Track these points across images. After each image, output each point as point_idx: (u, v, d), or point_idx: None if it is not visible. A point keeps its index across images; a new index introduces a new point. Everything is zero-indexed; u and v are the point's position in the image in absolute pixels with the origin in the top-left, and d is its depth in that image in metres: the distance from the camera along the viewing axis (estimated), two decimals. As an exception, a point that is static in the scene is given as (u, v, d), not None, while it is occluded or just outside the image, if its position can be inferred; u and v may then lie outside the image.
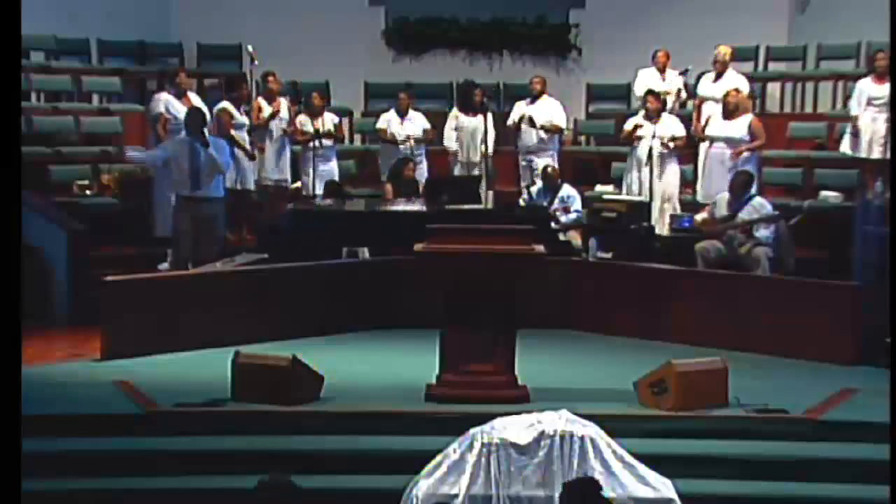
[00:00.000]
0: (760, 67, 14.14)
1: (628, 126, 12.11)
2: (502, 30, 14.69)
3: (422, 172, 12.44)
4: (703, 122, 12.14)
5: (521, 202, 11.93)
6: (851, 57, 13.60)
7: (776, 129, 12.12)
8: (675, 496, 6.06)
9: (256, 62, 12.46)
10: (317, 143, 11.99)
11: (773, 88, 14.15)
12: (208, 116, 11.30)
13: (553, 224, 11.16)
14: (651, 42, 13.25)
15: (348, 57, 13.91)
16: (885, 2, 10.73)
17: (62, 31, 13.50)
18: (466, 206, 10.91)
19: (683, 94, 12.93)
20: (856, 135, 11.66)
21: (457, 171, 12.80)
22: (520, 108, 12.93)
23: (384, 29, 14.73)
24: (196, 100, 11.73)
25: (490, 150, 12.75)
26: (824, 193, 12.01)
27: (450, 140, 12.83)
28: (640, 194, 11.72)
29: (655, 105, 11.98)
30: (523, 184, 12.50)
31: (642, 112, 12.15)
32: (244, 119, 11.87)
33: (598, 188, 12.72)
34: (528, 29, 14.69)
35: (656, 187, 11.82)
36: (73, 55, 13.75)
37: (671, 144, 11.88)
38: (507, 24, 14.68)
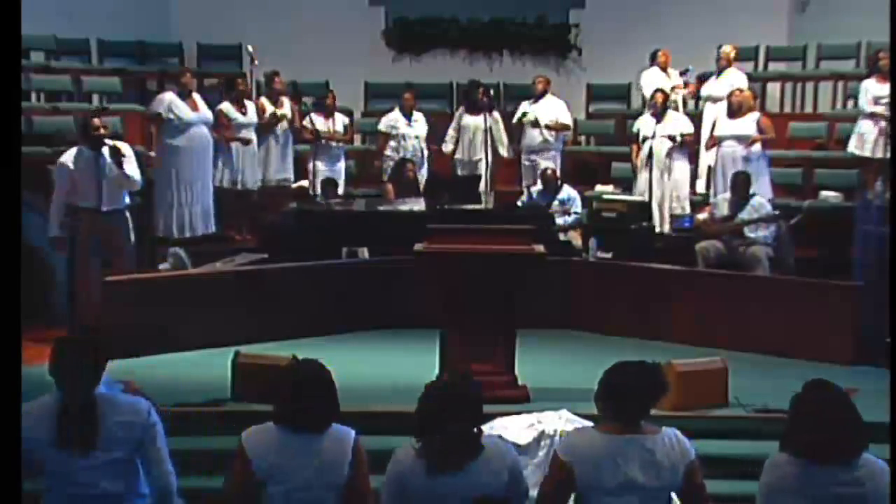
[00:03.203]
0: (760, 67, 14.16)
1: (636, 129, 12.15)
2: (502, 30, 14.72)
3: (422, 175, 12.44)
4: (711, 126, 12.15)
5: (520, 202, 11.93)
6: (851, 57, 13.63)
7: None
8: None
9: (256, 62, 12.47)
10: (324, 142, 12.06)
11: (773, 88, 14.17)
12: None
13: (552, 225, 11.17)
14: (651, 42, 13.28)
15: (348, 57, 13.91)
16: (885, 2, 10.71)
17: (62, 31, 13.51)
18: (466, 206, 10.92)
19: (689, 92, 12.95)
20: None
21: (459, 170, 12.81)
22: (524, 108, 12.94)
23: (384, 29, 14.75)
24: (200, 101, 11.71)
25: (507, 152, 12.77)
26: (824, 193, 12.03)
27: (447, 142, 12.85)
28: (651, 195, 11.74)
29: (664, 103, 12.00)
30: (525, 183, 12.51)
31: (649, 111, 12.15)
32: (243, 118, 11.86)
33: (599, 188, 12.74)
34: (528, 29, 14.71)
35: (666, 186, 11.85)
36: (73, 55, 13.78)
37: (679, 139, 11.90)
38: (507, 24, 14.71)
